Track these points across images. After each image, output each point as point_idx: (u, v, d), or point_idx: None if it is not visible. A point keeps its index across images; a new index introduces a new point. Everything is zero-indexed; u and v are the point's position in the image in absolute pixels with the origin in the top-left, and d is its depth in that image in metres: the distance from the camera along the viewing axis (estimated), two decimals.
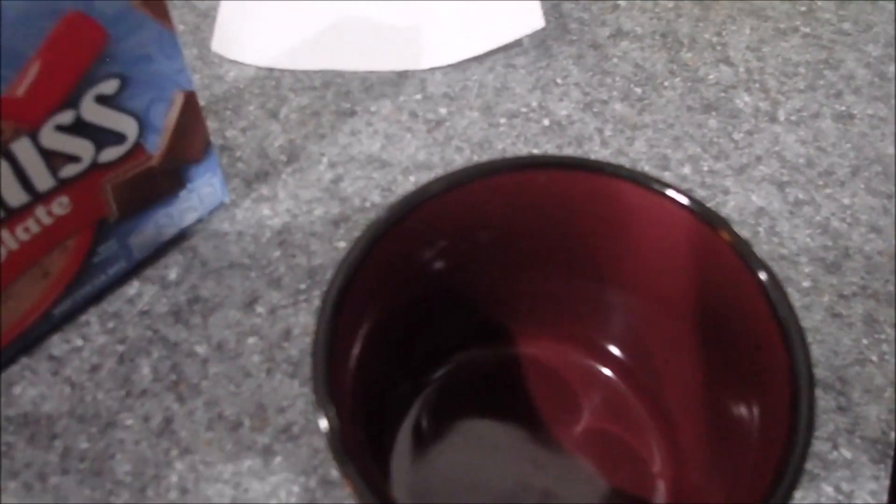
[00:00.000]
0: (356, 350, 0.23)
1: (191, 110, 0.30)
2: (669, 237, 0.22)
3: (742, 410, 0.23)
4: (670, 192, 0.21)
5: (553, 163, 0.22)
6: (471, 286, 0.27)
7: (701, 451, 0.26)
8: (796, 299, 0.33)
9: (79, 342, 0.32)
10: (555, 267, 0.26)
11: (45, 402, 0.30)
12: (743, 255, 0.20)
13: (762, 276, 0.20)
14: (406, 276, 0.24)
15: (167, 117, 0.29)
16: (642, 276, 0.24)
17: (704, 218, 0.21)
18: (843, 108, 0.40)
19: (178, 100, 0.29)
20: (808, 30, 0.43)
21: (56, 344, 0.32)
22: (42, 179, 0.26)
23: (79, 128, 0.26)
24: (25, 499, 0.28)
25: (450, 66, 0.41)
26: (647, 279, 0.24)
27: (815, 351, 0.32)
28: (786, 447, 0.19)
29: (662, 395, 0.27)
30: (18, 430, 0.30)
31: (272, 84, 0.40)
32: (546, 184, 0.23)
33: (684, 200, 0.21)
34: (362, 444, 0.22)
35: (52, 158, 0.26)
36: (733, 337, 0.22)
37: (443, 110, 0.39)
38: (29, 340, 0.31)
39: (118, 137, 0.28)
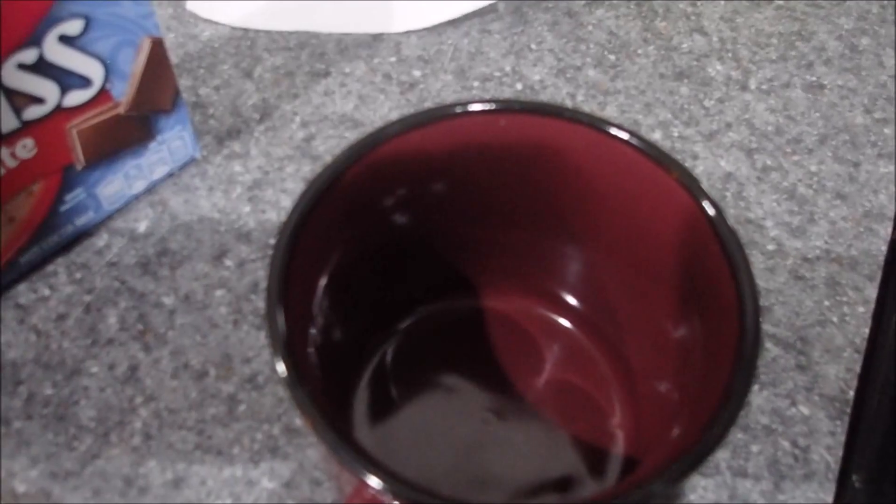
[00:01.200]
0: (315, 295, 0.23)
1: (159, 58, 0.30)
2: (623, 181, 0.22)
3: (696, 355, 0.23)
4: (622, 135, 0.22)
5: (511, 107, 0.23)
6: (432, 236, 0.27)
7: (658, 401, 0.26)
8: (760, 262, 0.33)
9: (46, 291, 0.32)
10: (515, 217, 0.26)
11: (10, 349, 0.30)
12: (693, 192, 0.20)
13: (711, 212, 0.20)
14: (366, 223, 0.24)
15: (134, 63, 0.29)
16: (599, 222, 0.24)
17: (655, 158, 0.21)
18: (814, 79, 0.40)
19: (146, 46, 0.29)
20: (781, 2, 0.44)
21: (23, 293, 0.32)
22: (5, 119, 0.26)
23: (42, 68, 0.26)
24: None
25: (425, 29, 0.41)
26: (603, 226, 0.24)
27: (778, 312, 0.32)
28: (726, 386, 0.19)
29: (622, 345, 0.27)
30: None
31: (247, 44, 0.40)
32: (505, 129, 0.23)
33: (636, 142, 0.21)
34: (323, 390, 0.22)
35: (15, 98, 0.26)
36: (686, 278, 0.22)
37: (417, 73, 0.40)
38: None
39: (83, 81, 0.28)
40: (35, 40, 0.25)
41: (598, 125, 0.22)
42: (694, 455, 0.18)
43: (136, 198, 0.34)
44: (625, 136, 0.22)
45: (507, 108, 0.23)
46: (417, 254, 0.27)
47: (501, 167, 0.24)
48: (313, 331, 0.23)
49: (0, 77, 0.25)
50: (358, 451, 0.18)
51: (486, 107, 0.23)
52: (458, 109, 0.23)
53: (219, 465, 0.28)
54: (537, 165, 0.24)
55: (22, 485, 0.28)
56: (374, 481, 0.17)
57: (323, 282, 0.23)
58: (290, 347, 0.19)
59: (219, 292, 0.32)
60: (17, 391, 0.29)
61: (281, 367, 0.19)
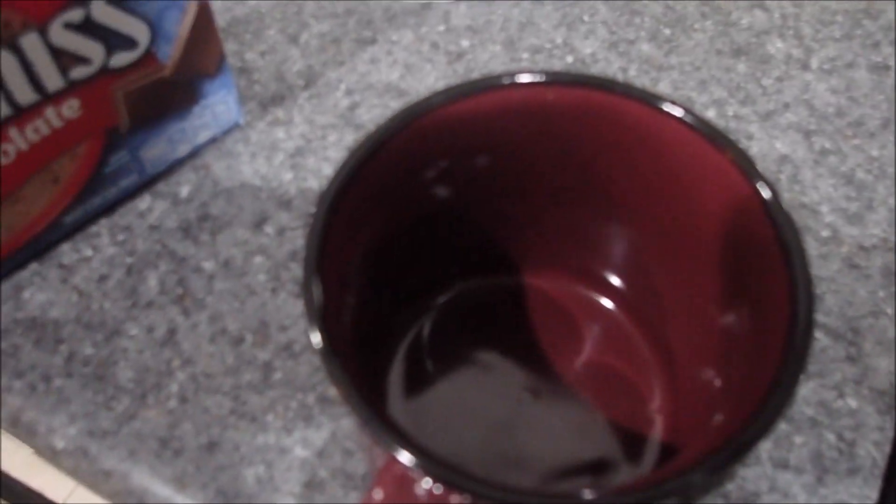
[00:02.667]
0: (353, 265, 0.23)
1: (204, 21, 0.29)
2: (674, 159, 0.22)
3: (742, 343, 0.22)
4: (675, 111, 0.21)
5: (561, 79, 0.22)
6: (475, 211, 0.26)
7: (700, 388, 0.25)
8: (813, 248, 0.32)
9: (88, 252, 0.32)
10: (560, 193, 0.25)
11: (52, 307, 0.31)
12: (747, 173, 0.19)
13: (765, 194, 0.19)
14: (408, 194, 0.24)
15: (180, 26, 0.29)
16: (646, 202, 0.24)
17: (709, 137, 0.20)
18: (880, 60, 0.38)
19: (192, 9, 0.29)
20: None
21: (66, 253, 0.32)
22: (51, 78, 0.26)
23: (89, 27, 0.26)
24: (29, 398, 0.29)
25: None
26: (651, 205, 0.24)
27: (829, 301, 0.31)
28: (774, 376, 0.18)
29: (665, 329, 0.27)
30: (26, 333, 0.30)
31: (294, 9, 0.40)
32: (553, 102, 0.22)
33: (689, 119, 0.20)
34: (357, 362, 0.22)
35: (62, 57, 0.26)
36: (735, 262, 0.21)
37: (465, 43, 0.39)
38: (40, 247, 0.31)
39: (129, 42, 0.27)
40: (82, 0, 0.25)
41: (650, 100, 0.21)
42: (737, 445, 0.17)
43: (180, 162, 0.34)
44: (678, 112, 0.21)
45: (556, 79, 0.22)
46: (459, 228, 0.26)
47: (548, 142, 0.24)
48: (350, 301, 0.22)
49: (47, 36, 0.25)
50: (389, 426, 0.17)
51: (535, 78, 0.22)
52: (506, 80, 0.22)
53: (252, 432, 0.28)
54: (585, 141, 0.23)
55: (60, 441, 0.28)
56: (404, 456, 0.17)
57: (361, 252, 0.23)
58: (325, 318, 0.19)
59: (258, 259, 0.32)
60: (59, 349, 0.30)
61: (316, 338, 0.18)
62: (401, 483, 0.18)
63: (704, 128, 0.21)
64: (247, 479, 0.27)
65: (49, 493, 1.11)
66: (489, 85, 0.22)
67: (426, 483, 0.17)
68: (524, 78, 0.22)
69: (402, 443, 0.17)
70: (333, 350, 0.18)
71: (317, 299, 0.18)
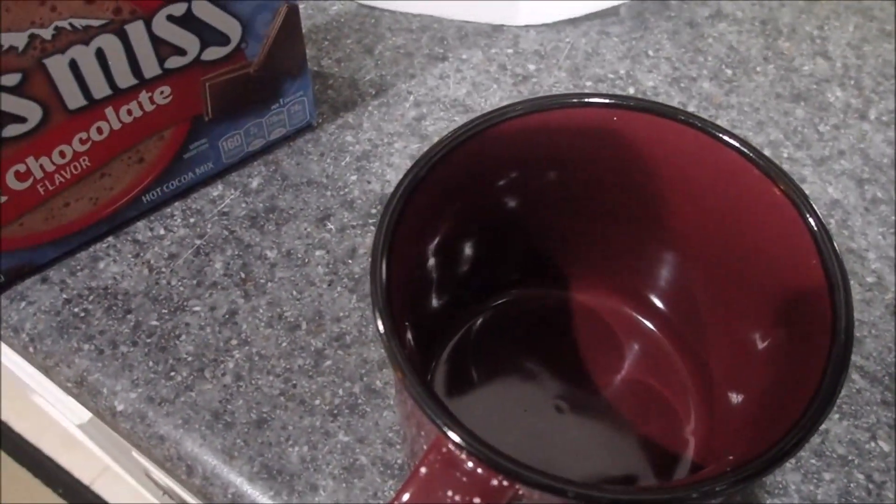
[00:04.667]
0: (415, 261, 0.24)
1: (292, 24, 0.31)
2: (727, 188, 0.23)
3: (780, 371, 0.23)
4: (732, 141, 0.22)
5: (627, 104, 0.23)
6: (533, 222, 0.27)
7: (735, 413, 0.26)
8: (858, 293, 0.33)
9: (161, 231, 0.34)
10: (615, 213, 0.26)
11: (124, 279, 0.33)
12: (797, 205, 0.20)
13: (814, 226, 0.20)
14: (472, 200, 0.25)
15: (269, 27, 0.31)
16: (697, 228, 0.25)
17: (763, 168, 0.21)
18: None
19: (282, 12, 0.31)
20: None
21: (141, 230, 0.34)
22: (149, 65, 0.28)
23: (188, 21, 0.28)
24: (96, 361, 0.31)
25: (545, 25, 0.42)
26: (701, 232, 0.25)
27: (869, 345, 0.32)
28: (807, 405, 0.19)
29: (705, 354, 0.28)
30: (98, 301, 0.32)
31: (371, 22, 0.42)
32: (618, 124, 0.23)
33: (745, 150, 0.22)
34: (412, 352, 0.23)
35: (161, 47, 0.28)
36: (779, 292, 0.22)
37: (531, 66, 0.40)
38: (118, 222, 0.33)
39: (222, 38, 0.29)
40: None
41: (708, 129, 0.22)
42: (755, 466, 0.18)
43: (253, 155, 0.36)
44: (734, 142, 0.22)
45: (622, 103, 0.23)
46: (515, 237, 0.27)
47: (609, 162, 0.25)
48: (409, 295, 0.24)
49: (151, 26, 0.27)
50: (442, 407, 0.19)
51: (603, 100, 0.23)
52: (575, 100, 0.23)
53: (300, 414, 0.29)
54: (644, 164, 0.25)
55: (121, 404, 0.30)
56: (454, 435, 0.18)
57: (424, 249, 0.25)
58: (389, 302, 0.20)
59: (318, 252, 0.34)
60: (126, 318, 0.32)
61: (379, 320, 0.20)
62: (446, 463, 0.19)
63: (760, 159, 0.22)
64: (291, 457, 0.29)
65: (77, 474, 1.14)
66: (560, 103, 0.23)
67: (470, 464, 0.19)
68: (593, 99, 0.23)
69: (452, 421, 0.18)
70: (395, 332, 0.19)
71: (383, 283, 0.20)
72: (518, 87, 0.39)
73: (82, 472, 1.13)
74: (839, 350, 0.18)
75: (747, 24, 0.43)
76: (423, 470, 0.19)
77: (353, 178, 0.36)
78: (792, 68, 0.41)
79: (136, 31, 0.27)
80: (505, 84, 0.39)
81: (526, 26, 0.42)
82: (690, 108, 0.39)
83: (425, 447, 0.21)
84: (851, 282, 0.33)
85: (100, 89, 0.28)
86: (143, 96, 0.29)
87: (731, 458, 0.21)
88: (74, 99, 0.28)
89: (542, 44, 0.41)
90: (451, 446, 0.18)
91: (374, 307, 0.20)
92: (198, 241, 0.34)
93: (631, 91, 0.39)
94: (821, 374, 0.19)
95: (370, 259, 0.20)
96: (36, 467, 1.13)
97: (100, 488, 1.13)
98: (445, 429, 0.18)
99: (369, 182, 0.36)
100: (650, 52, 0.41)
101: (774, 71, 0.41)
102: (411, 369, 0.19)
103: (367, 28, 0.42)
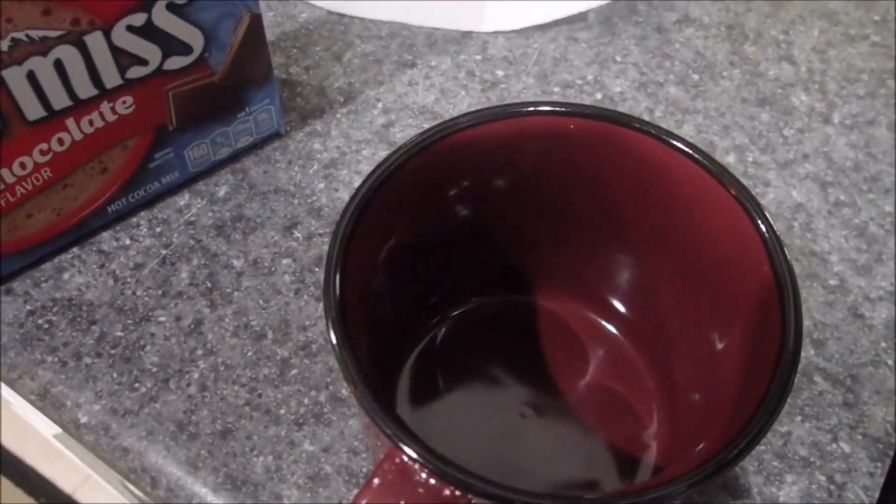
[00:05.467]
0: (373, 271, 0.24)
1: (256, 33, 0.31)
2: (682, 193, 0.23)
3: (734, 371, 0.23)
4: (684, 147, 0.22)
5: (581, 112, 0.23)
6: (492, 229, 0.28)
7: (694, 414, 0.26)
8: (820, 295, 0.33)
9: (127, 241, 0.34)
10: (574, 219, 0.27)
11: (89, 290, 0.33)
12: (749, 210, 0.21)
13: (764, 231, 0.20)
14: (430, 209, 0.25)
15: (233, 35, 0.31)
16: (656, 232, 0.25)
17: (714, 174, 0.22)
18: None
19: (245, 20, 0.31)
20: (878, 38, 0.43)
21: (106, 240, 0.34)
22: (110, 76, 0.28)
23: (149, 32, 0.28)
24: (59, 373, 0.30)
25: (514, 31, 0.42)
26: (660, 236, 0.25)
27: (831, 347, 0.32)
28: (756, 407, 0.19)
29: (667, 357, 0.28)
30: (62, 312, 0.32)
31: (341, 29, 0.42)
32: (573, 132, 0.24)
33: (697, 156, 0.22)
34: (369, 363, 0.23)
35: (121, 57, 0.28)
36: (734, 294, 0.22)
37: (500, 73, 0.40)
38: (83, 232, 0.33)
39: (185, 47, 0.29)
40: (145, 6, 0.27)
41: (662, 136, 0.23)
42: (710, 467, 0.18)
43: (220, 163, 0.36)
44: (687, 149, 0.22)
45: (576, 111, 0.23)
46: (475, 245, 0.28)
47: (566, 169, 0.25)
48: (367, 306, 0.24)
49: (111, 36, 0.27)
50: (395, 418, 0.19)
51: (557, 108, 0.23)
52: (530, 108, 0.23)
53: (265, 423, 0.29)
54: (601, 171, 0.25)
55: (85, 416, 0.30)
56: (406, 447, 0.18)
57: (381, 260, 0.25)
58: (343, 314, 0.20)
59: (285, 261, 0.34)
60: (91, 330, 0.31)
61: (332, 331, 0.20)
62: (399, 474, 0.19)
63: (711, 165, 0.22)
64: (256, 467, 0.28)
65: (60, 483, 1.13)
66: (513, 112, 0.23)
67: (423, 475, 0.19)
68: (547, 107, 0.23)
69: (405, 434, 0.18)
70: (348, 344, 0.19)
71: (336, 295, 0.20)
72: (486, 94, 0.40)
73: (64, 481, 1.13)
74: (786, 359, 0.19)
75: (714, 29, 0.43)
76: (376, 481, 0.19)
77: (321, 185, 0.36)
78: (757, 73, 0.41)
79: (95, 41, 0.27)
80: (473, 90, 0.40)
81: (495, 32, 0.42)
82: (657, 113, 0.39)
83: (382, 451, 0.21)
84: (814, 284, 0.33)
85: (59, 100, 0.28)
86: (105, 107, 0.29)
87: (683, 463, 0.21)
88: (34, 110, 0.27)
89: (511, 50, 0.41)
90: (403, 457, 0.19)
91: (327, 318, 0.20)
92: (164, 251, 0.34)
93: (598, 97, 0.40)
94: (768, 382, 0.20)
95: (324, 270, 0.20)
96: (18, 477, 1.12)
97: (82, 497, 1.12)
98: (397, 440, 0.18)
99: (337, 190, 0.36)
100: (618, 58, 0.41)
101: (740, 75, 0.41)
102: (364, 381, 0.19)
103: (336, 35, 0.42)
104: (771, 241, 0.20)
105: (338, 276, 0.20)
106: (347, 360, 0.19)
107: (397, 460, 0.19)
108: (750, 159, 0.37)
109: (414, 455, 0.18)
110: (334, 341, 0.19)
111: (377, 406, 0.19)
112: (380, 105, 0.39)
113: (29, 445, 1.13)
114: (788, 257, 0.20)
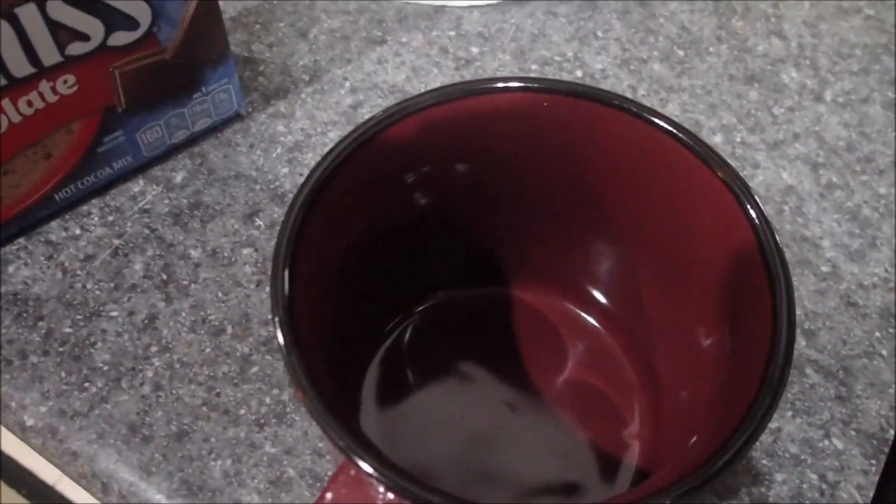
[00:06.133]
0: (329, 265, 0.22)
1: (209, 7, 0.29)
2: (666, 176, 0.21)
3: (724, 370, 0.22)
4: (668, 126, 0.20)
5: (553, 88, 0.21)
6: (461, 218, 0.26)
7: (681, 413, 0.25)
8: (812, 283, 0.32)
9: (77, 231, 0.32)
10: (550, 205, 0.25)
11: (36, 283, 0.30)
12: (738, 195, 0.19)
13: (755, 218, 0.19)
14: (389, 197, 0.23)
15: (184, 10, 0.28)
16: (637, 218, 0.23)
17: (701, 155, 0.20)
18: (895, 97, 0.38)
19: None
20: (871, 12, 0.41)
21: (55, 230, 0.32)
22: (48, 52, 0.26)
23: (89, 4, 0.26)
24: (3, 373, 0.28)
25: (489, 5, 0.40)
26: (642, 222, 0.23)
27: (823, 337, 0.30)
28: (747, 409, 0.18)
29: (651, 350, 0.26)
30: (7, 308, 0.30)
31: (306, 4, 0.40)
32: (547, 110, 0.22)
33: (682, 136, 0.20)
34: (328, 363, 0.22)
35: (60, 32, 0.26)
36: (723, 286, 0.20)
37: (475, 49, 0.38)
38: (29, 222, 0.31)
39: (130, 22, 0.27)
40: None
41: (644, 115, 0.21)
42: (701, 476, 0.17)
43: (176, 147, 0.34)
44: (670, 128, 0.20)
45: (550, 87, 0.21)
46: (443, 235, 0.26)
47: (540, 151, 0.23)
48: (326, 299, 0.22)
49: (45, 9, 0.25)
50: (348, 428, 0.17)
51: (529, 85, 0.21)
52: (500, 85, 0.21)
53: (224, 424, 0.28)
54: (578, 152, 0.23)
55: (31, 419, 0.28)
56: (359, 460, 0.16)
57: (341, 252, 0.23)
58: (291, 312, 0.18)
59: (246, 251, 0.32)
60: (37, 326, 0.29)
61: (279, 331, 0.18)
62: (354, 486, 0.18)
63: (698, 146, 0.20)
64: (213, 471, 0.27)
65: (41, 475, 1.12)
66: (481, 88, 0.21)
67: (379, 487, 0.17)
68: (517, 83, 0.21)
69: (357, 444, 0.16)
70: (296, 346, 0.18)
71: (284, 294, 0.18)
72: (461, 72, 0.37)
73: (45, 472, 1.11)
74: (777, 361, 0.17)
75: (700, 3, 0.41)
76: (328, 495, 0.18)
77: (285, 170, 0.34)
78: (746, 49, 0.39)
79: (28, 14, 0.25)
80: (447, 68, 0.38)
81: (469, 7, 0.40)
82: (640, 92, 0.37)
83: (336, 462, 0.20)
84: (805, 271, 0.32)
85: None
86: (44, 86, 0.27)
87: (666, 471, 0.20)
88: None
89: (486, 25, 0.39)
90: (356, 471, 0.17)
91: (274, 318, 0.18)
92: (116, 241, 0.32)
93: (579, 74, 0.38)
94: (759, 383, 0.18)
95: (272, 264, 0.18)
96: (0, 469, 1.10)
97: (64, 488, 1.10)
98: (350, 452, 0.16)
99: (301, 175, 0.34)
100: (599, 33, 0.39)
101: (728, 51, 0.39)
102: (315, 388, 0.17)
103: (301, 10, 0.39)
104: (762, 230, 0.18)
105: (286, 274, 0.18)
106: (296, 365, 0.17)
107: (352, 472, 0.18)
108: (738, 140, 0.36)
109: (367, 468, 0.17)
110: (282, 344, 0.18)
111: (329, 416, 0.17)
112: (347, 84, 0.37)
113: (8, 437, 1.11)
114: (781, 247, 0.18)
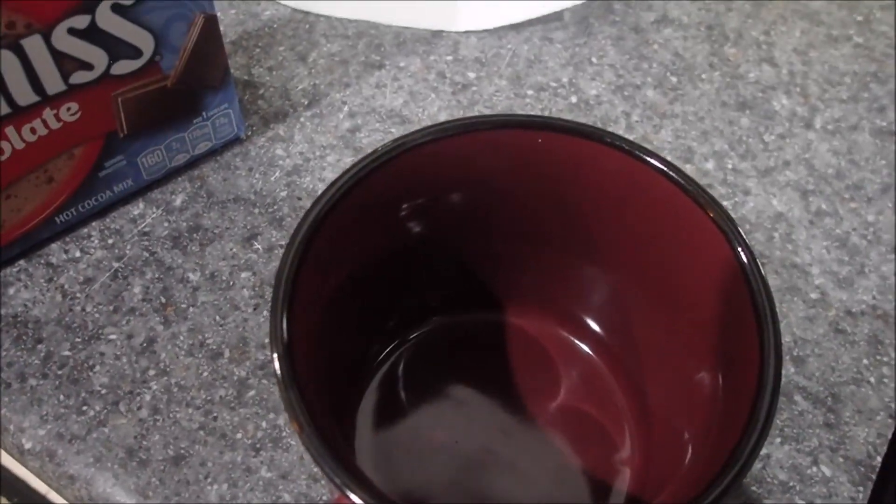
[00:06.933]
0: (328, 293, 0.23)
1: (211, 35, 0.30)
2: (658, 213, 0.22)
3: (715, 403, 0.22)
4: (661, 165, 0.21)
5: (547, 125, 0.22)
6: (456, 247, 0.26)
7: (672, 442, 0.25)
8: (800, 309, 0.32)
9: (77, 253, 0.32)
10: (544, 236, 0.25)
11: (35, 306, 0.31)
12: (728, 235, 0.19)
13: (744, 259, 0.19)
14: (387, 227, 0.24)
15: (185, 38, 0.29)
16: (630, 251, 0.24)
17: (692, 195, 0.20)
18: (884, 124, 0.38)
19: (199, 22, 0.29)
20: (860, 40, 0.42)
21: (55, 252, 0.32)
22: (52, 82, 0.26)
23: (93, 34, 0.26)
24: (2, 395, 0.29)
25: (486, 31, 0.41)
26: (634, 255, 0.23)
27: (812, 364, 0.31)
28: (735, 444, 0.18)
29: (642, 379, 0.26)
30: (6, 330, 0.30)
31: (305, 27, 0.40)
32: (541, 146, 0.22)
33: (674, 175, 0.20)
34: (324, 390, 0.22)
35: (64, 62, 0.26)
36: (711, 319, 0.21)
37: (471, 74, 0.39)
38: (30, 244, 0.31)
39: (133, 51, 0.28)
40: (88, 7, 0.25)
41: (636, 153, 0.21)
42: None
43: (176, 171, 0.34)
44: (662, 166, 0.21)
45: (544, 125, 0.22)
46: (440, 263, 0.26)
47: (535, 185, 0.24)
48: (323, 328, 0.22)
49: (50, 40, 0.25)
50: (342, 463, 0.17)
51: (524, 122, 0.22)
52: (496, 122, 0.22)
53: (220, 449, 0.28)
54: (572, 187, 0.23)
55: (29, 441, 0.28)
56: (352, 495, 0.17)
57: (338, 281, 0.23)
58: (290, 347, 0.19)
59: (244, 274, 0.32)
60: (36, 349, 0.30)
61: (277, 366, 0.18)
62: None
63: (688, 184, 0.21)
64: (209, 496, 0.27)
65: (33, 483, 1.11)
66: (477, 125, 0.22)
67: None
68: (514, 121, 0.22)
69: (350, 481, 0.17)
70: (294, 380, 0.18)
71: (282, 329, 0.18)
72: (457, 97, 0.38)
73: (38, 482, 1.11)
74: (764, 401, 0.17)
75: (693, 30, 0.42)
76: None
77: (283, 194, 0.34)
78: (737, 75, 0.40)
79: (33, 45, 0.25)
80: (444, 93, 0.38)
81: (466, 32, 0.40)
82: (634, 118, 0.38)
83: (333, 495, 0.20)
84: (794, 298, 0.32)
85: None
86: (48, 114, 0.27)
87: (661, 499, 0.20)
88: None
89: (483, 50, 0.40)
90: None
91: (272, 351, 0.18)
92: (116, 264, 0.32)
93: (573, 100, 0.38)
94: (749, 411, 0.18)
95: (271, 298, 0.19)
96: None
97: (55, 497, 1.10)
98: (346, 489, 0.17)
99: (300, 199, 0.34)
100: (594, 59, 0.40)
101: (720, 78, 0.40)
102: (311, 422, 0.17)
103: (300, 34, 0.40)
104: (751, 272, 0.19)
105: (285, 312, 0.18)
106: (293, 399, 0.18)
107: None
108: (729, 166, 0.36)
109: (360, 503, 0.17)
110: (280, 379, 0.18)
111: (325, 451, 0.17)
112: (346, 108, 0.37)
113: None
114: (770, 289, 0.19)
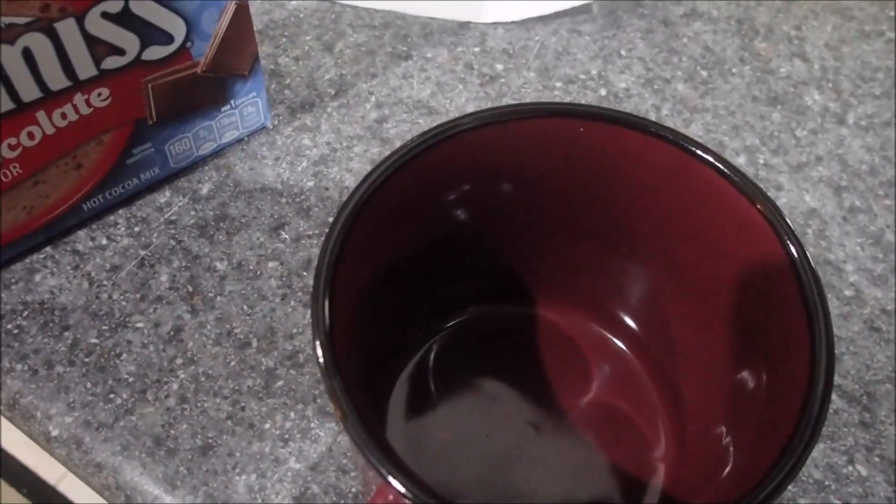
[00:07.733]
0: (366, 282, 0.22)
1: (242, 22, 0.29)
2: (702, 205, 0.21)
3: (756, 402, 0.22)
4: (707, 156, 0.20)
5: (592, 114, 0.21)
6: (492, 238, 0.26)
7: (709, 442, 0.25)
8: (835, 307, 0.32)
9: (104, 241, 0.32)
10: (583, 228, 0.25)
11: (62, 293, 0.31)
12: (776, 228, 0.19)
13: (794, 252, 0.19)
14: (428, 216, 0.24)
15: (217, 25, 0.29)
16: (670, 245, 0.23)
17: (739, 186, 0.20)
18: None
19: (231, 8, 0.29)
20: (893, 35, 0.41)
21: (82, 239, 0.32)
22: (84, 66, 0.26)
23: (126, 19, 0.26)
24: (29, 382, 0.29)
25: (514, 22, 0.40)
26: (675, 249, 0.23)
27: (847, 363, 0.30)
28: (786, 442, 0.18)
29: (677, 377, 0.26)
30: (33, 316, 0.30)
31: (332, 17, 0.40)
32: (582, 135, 0.22)
33: (721, 166, 0.20)
34: (361, 379, 0.22)
35: (96, 46, 0.26)
36: (755, 317, 0.21)
37: (499, 66, 0.39)
38: (57, 231, 0.31)
39: (165, 37, 0.27)
40: None
41: (682, 143, 0.21)
42: None
43: (203, 159, 0.34)
44: (709, 157, 0.20)
45: (588, 113, 0.21)
46: (477, 253, 0.26)
47: (574, 175, 0.23)
48: (359, 317, 0.22)
49: (84, 24, 0.25)
50: (385, 451, 0.17)
51: (567, 110, 0.21)
52: (539, 109, 0.22)
53: (248, 439, 0.28)
54: (612, 178, 0.23)
55: (56, 429, 0.28)
56: (397, 483, 0.17)
57: (375, 270, 0.23)
58: (332, 335, 0.18)
59: (271, 264, 0.32)
60: (63, 336, 0.30)
61: (320, 354, 0.18)
62: None
63: (736, 176, 0.20)
64: (237, 486, 0.27)
65: (42, 474, 1.11)
66: (521, 113, 0.21)
67: None
68: (556, 109, 0.21)
69: (395, 469, 0.17)
70: (337, 368, 0.18)
71: (325, 317, 0.18)
72: (485, 88, 0.38)
73: (47, 472, 1.11)
74: (814, 405, 0.17)
75: (723, 24, 0.41)
76: None
77: (310, 184, 0.34)
78: (768, 70, 0.39)
79: (67, 29, 0.25)
80: (471, 85, 0.38)
81: (494, 24, 0.40)
82: (664, 112, 0.37)
83: (374, 483, 0.20)
84: (829, 295, 0.32)
85: (29, 92, 0.26)
86: (79, 99, 0.27)
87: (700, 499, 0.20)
88: (1, 102, 0.25)
89: (511, 42, 0.39)
90: (395, 494, 0.17)
91: (315, 339, 0.18)
92: (142, 252, 0.32)
93: (602, 93, 0.38)
94: (799, 412, 0.18)
95: (312, 287, 0.18)
96: (0, 468, 1.10)
97: (65, 489, 1.10)
98: (389, 477, 0.17)
99: (327, 189, 0.34)
100: (623, 52, 0.40)
101: (751, 72, 0.39)
102: (354, 411, 0.17)
103: (327, 24, 0.40)
104: (802, 266, 0.18)
105: (326, 295, 0.18)
106: (337, 387, 0.17)
107: (390, 497, 0.18)
108: (761, 161, 0.36)
109: (407, 492, 0.17)
110: (322, 368, 0.18)
111: (368, 438, 0.17)
112: (373, 99, 0.37)
113: (10, 436, 1.11)
114: (820, 281, 0.18)
